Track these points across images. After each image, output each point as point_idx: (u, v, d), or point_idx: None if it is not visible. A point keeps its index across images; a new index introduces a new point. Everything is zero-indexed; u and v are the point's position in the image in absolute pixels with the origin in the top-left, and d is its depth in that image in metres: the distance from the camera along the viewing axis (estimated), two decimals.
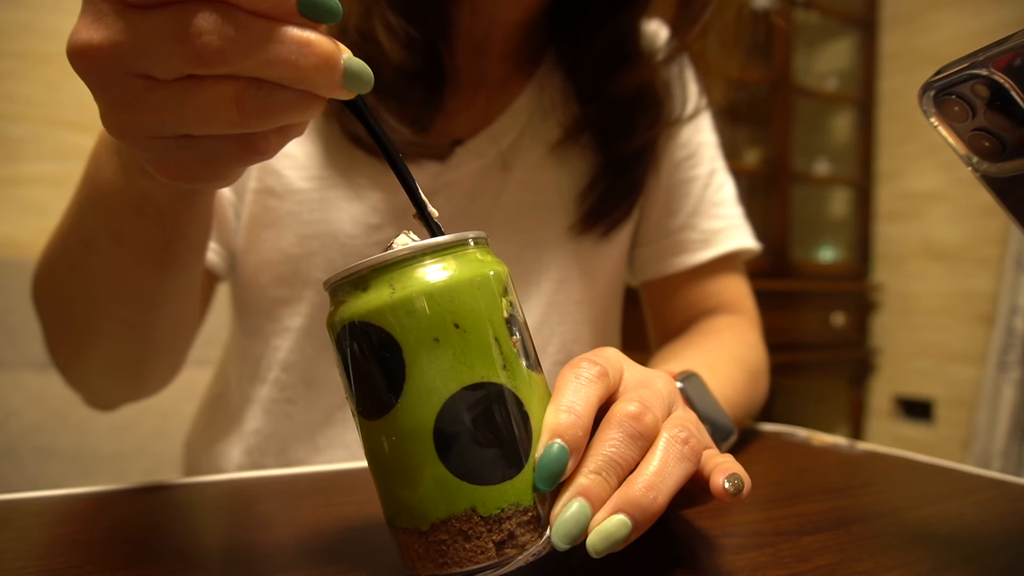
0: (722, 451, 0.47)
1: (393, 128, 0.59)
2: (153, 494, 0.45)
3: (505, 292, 0.30)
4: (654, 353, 0.70)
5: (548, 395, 0.30)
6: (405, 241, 0.30)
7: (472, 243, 0.30)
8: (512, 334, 0.29)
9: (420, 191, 0.32)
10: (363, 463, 0.55)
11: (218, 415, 0.72)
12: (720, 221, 0.72)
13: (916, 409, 2.72)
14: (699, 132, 0.74)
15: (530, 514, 0.28)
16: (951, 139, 0.31)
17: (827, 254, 2.89)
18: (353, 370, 0.29)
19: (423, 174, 0.62)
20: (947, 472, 0.53)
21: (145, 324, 0.50)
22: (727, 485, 0.30)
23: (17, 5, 1.74)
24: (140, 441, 0.98)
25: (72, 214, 0.47)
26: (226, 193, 0.63)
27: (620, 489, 0.28)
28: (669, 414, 0.32)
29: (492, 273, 0.29)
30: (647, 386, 0.32)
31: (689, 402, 0.46)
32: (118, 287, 0.47)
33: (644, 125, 0.66)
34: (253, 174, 0.63)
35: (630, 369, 0.34)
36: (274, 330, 0.65)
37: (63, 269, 0.49)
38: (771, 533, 0.32)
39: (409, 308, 0.27)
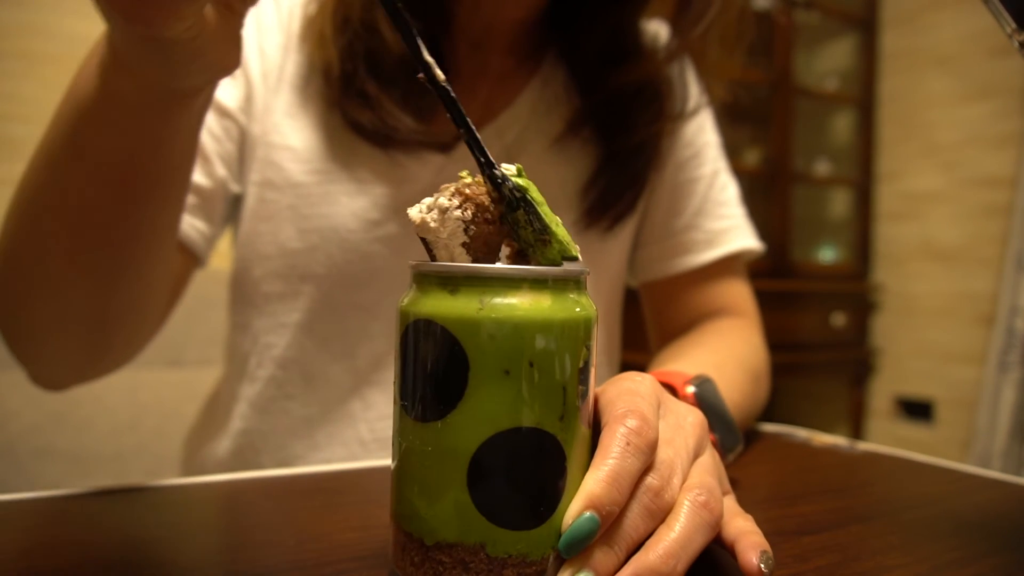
0: (728, 461, 0.47)
1: (396, 117, 0.59)
2: (153, 494, 0.45)
3: (588, 339, 0.29)
4: (655, 354, 0.70)
5: (588, 451, 0.29)
6: (463, 177, 0.30)
7: (573, 281, 0.29)
8: (580, 383, 0.28)
9: (423, 48, 0.30)
10: (362, 463, 0.55)
11: (212, 414, 0.72)
12: (724, 221, 0.72)
13: (916, 409, 2.71)
14: (702, 132, 0.73)
15: (533, 568, 0.28)
16: (999, 10, 0.30)
17: (827, 254, 2.89)
18: (413, 365, 0.28)
19: (427, 169, 0.62)
20: (947, 472, 0.53)
21: (106, 275, 0.45)
22: (764, 568, 0.29)
23: (17, 5, 1.74)
24: (140, 442, 0.98)
25: (41, 140, 0.43)
26: (219, 171, 0.61)
27: (639, 554, 0.28)
28: (696, 456, 0.32)
29: (582, 318, 0.28)
30: (673, 442, 0.32)
31: (702, 407, 0.45)
32: (76, 219, 0.42)
33: (645, 120, 0.66)
34: (254, 166, 0.62)
35: (664, 415, 0.33)
36: (266, 326, 0.64)
37: (22, 204, 0.44)
38: (771, 533, 0.32)
39: (491, 331, 0.26)
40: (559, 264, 0.30)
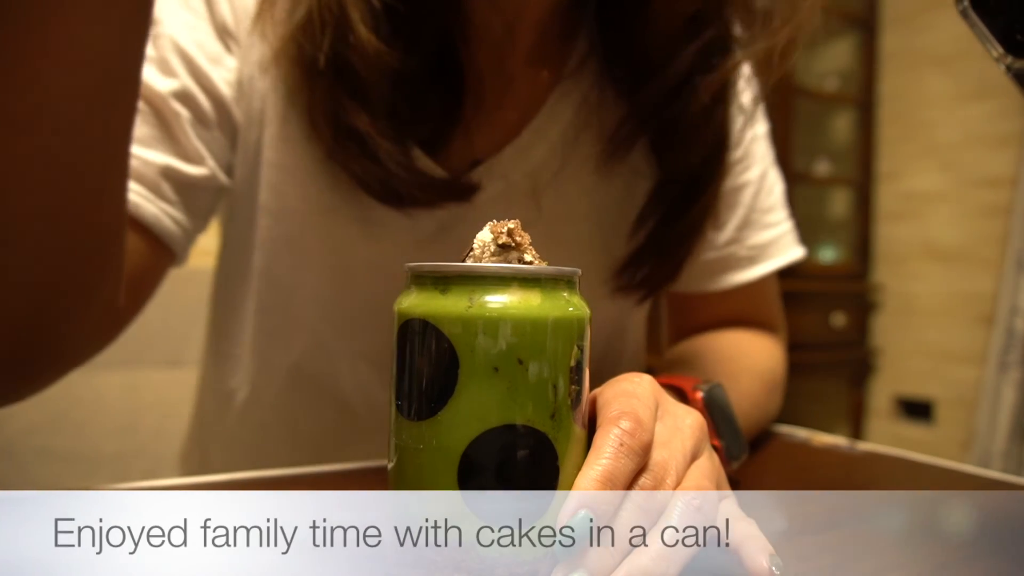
0: (732, 469, 0.46)
1: (399, 163, 0.49)
2: (152, 495, 0.45)
3: (580, 339, 0.29)
4: (667, 350, 0.69)
5: (583, 452, 0.29)
6: (484, 237, 0.30)
7: (564, 281, 0.29)
8: (572, 383, 0.28)
9: None
10: (361, 463, 0.55)
11: (192, 448, 0.69)
12: (769, 232, 0.67)
13: (916, 409, 2.71)
14: (752, 124, 0.64)
15: (525, 567, 0.28)
16: (986, 35, 0.30)
17: (827, 254, 2.89)
18: (407, 365, 0.29)
19: (439, 213, 0.54)
20: (947, 472, 0.53)
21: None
22: (775, 570, 0.29)
23: None
24: (140, 442, 0.98)
25: None
26: (211, 165, 0.53)
27: (632, 556, 0.28)
28: (694, 459, 0.32)
29: (574, 317, 0.28)
30: (669, 444, 0.31)
31: (711, 411, 0.44)
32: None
33: (707, 74, 0.52)
34: (261, 189, 0.56)
35: (662, 417, 0.33)
36: (253, 367, 0.61)
37: None
38: (772, 533, 0.32)
39: (480, 329, 0.27)
40: None
